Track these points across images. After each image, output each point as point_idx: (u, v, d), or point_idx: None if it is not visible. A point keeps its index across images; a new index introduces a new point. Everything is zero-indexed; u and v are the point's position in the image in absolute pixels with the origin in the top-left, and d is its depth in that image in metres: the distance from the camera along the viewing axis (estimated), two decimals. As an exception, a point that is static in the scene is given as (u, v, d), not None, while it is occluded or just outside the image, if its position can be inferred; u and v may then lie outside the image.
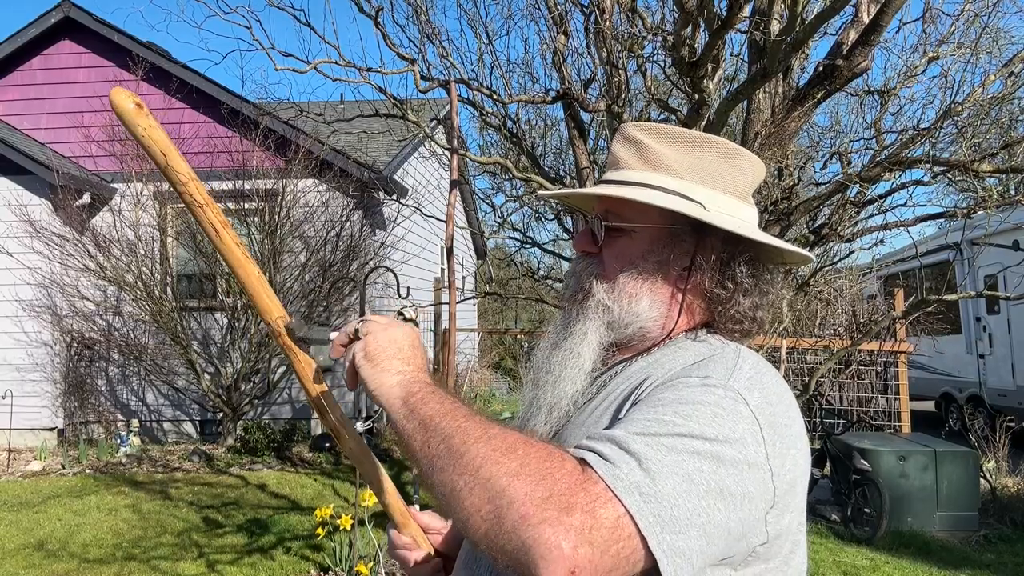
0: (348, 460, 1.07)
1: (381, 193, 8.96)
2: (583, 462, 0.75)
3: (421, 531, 1.15)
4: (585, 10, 4.49)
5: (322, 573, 4.68)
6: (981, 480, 6.15)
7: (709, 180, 1.00)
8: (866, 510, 5.67)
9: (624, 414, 0.87)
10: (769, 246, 1.00)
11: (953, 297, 4.11)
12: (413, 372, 0.91)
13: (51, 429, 8.56)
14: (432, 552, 1.16)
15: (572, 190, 1.09)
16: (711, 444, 0.76)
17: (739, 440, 0.78)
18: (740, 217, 1.00)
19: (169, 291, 8.49)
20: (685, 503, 0.72)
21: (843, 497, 6.04)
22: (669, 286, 1.00)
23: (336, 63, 4.23)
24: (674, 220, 0.99)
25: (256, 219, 8.35)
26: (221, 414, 8.42)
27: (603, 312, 1.01)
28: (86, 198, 8.63)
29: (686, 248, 0.99)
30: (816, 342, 8.30)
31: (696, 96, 3.37)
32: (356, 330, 0.97)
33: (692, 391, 0.82)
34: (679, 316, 1.00)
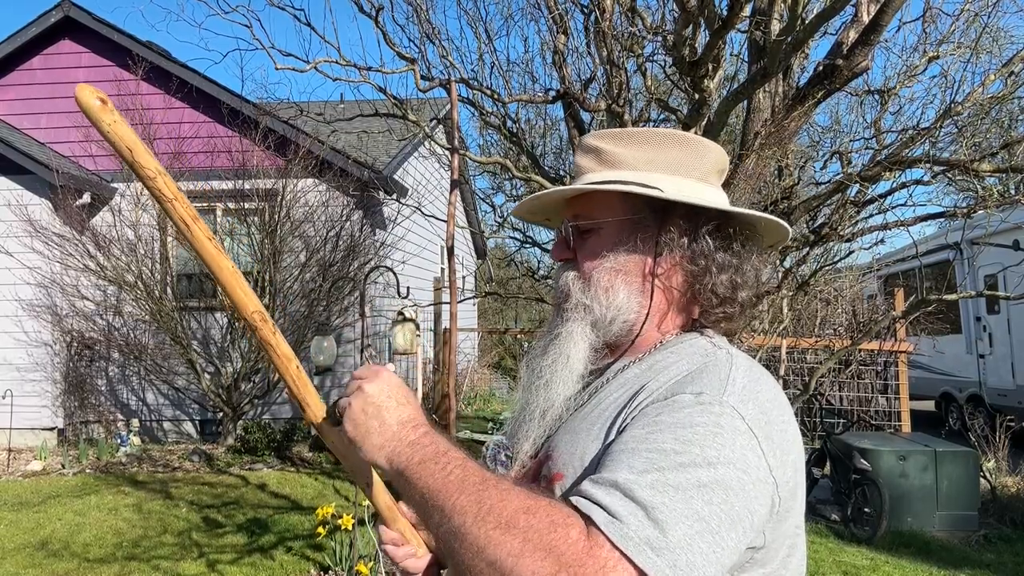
0: (334, 455, 1.04)
1: (381, 193, 8.96)
2: (588, 520, 0.74)
3: (410, 526, 1.15)
4: (585, 10, 4.49)
5: (322, 573, 4.69)
6: (981, 480, 6.15)
7: (668, 168, 1.02)
8: (866, 510, 5.67)
9: (618, 431, 0.87)
10: (739, 219, 1.01)
11: (953, 297, 4.11)
12: (394, 440, 0.87)
13: (51, 429, 8.56)
14: (424, 549, 1.15)
15: (537, 193, 1.11)
16: (715, 470, 0.76)
17: (740, 459, 0.79)
18: (700, 196, 1.01)
19: (169, 291, 8.50)
20: (699, 544, 0.73)
21: (843, 497, 6.04)
22: (641, 273, 1.01)
23: (336, 63, 4.23)
24: (636, 209, 1.01)
25: (256, 219, 8.35)
26: (221, 414, 8.42)
27: (584, 312, 1.02)
28: (86, 198, 8.63)
29: (651, 232, 1.00)
30: (816, 342, 8.29)
31: (696, 96, 3.37)
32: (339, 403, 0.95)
33: (688, 412, 0.82)
34: (651, 298, 1.00)
